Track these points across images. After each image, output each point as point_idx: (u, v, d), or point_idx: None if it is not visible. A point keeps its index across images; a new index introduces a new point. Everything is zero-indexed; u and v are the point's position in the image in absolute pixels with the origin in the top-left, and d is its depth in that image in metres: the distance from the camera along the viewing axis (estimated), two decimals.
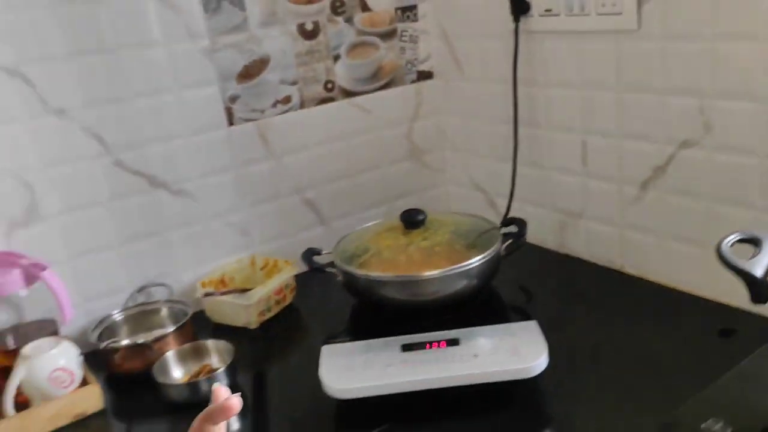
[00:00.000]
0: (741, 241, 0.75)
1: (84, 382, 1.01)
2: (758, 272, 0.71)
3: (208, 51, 1.20)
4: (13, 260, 1.04)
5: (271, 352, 1.12)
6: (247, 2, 1.21)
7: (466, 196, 1.49)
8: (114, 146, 1.14)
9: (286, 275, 1.23)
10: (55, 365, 0.98)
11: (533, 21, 1.20)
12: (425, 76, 1.46)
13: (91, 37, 1.08)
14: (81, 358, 1.02)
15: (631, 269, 1.19)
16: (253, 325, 1.17)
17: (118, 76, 1.12)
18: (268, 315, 1.19)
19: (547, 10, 1.17)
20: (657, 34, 1.03)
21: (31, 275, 1.03)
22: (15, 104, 1.05)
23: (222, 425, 0.55)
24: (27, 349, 0.99)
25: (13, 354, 1.00)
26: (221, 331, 1.17)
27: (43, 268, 1.03)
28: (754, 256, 0.73)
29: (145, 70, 1.14)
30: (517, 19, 1.21)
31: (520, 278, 1.21)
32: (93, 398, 1.00)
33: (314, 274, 1.17)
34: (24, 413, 0.96)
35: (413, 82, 1.45)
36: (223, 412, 0.52)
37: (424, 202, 1.47)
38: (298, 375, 1.02)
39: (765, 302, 0.72)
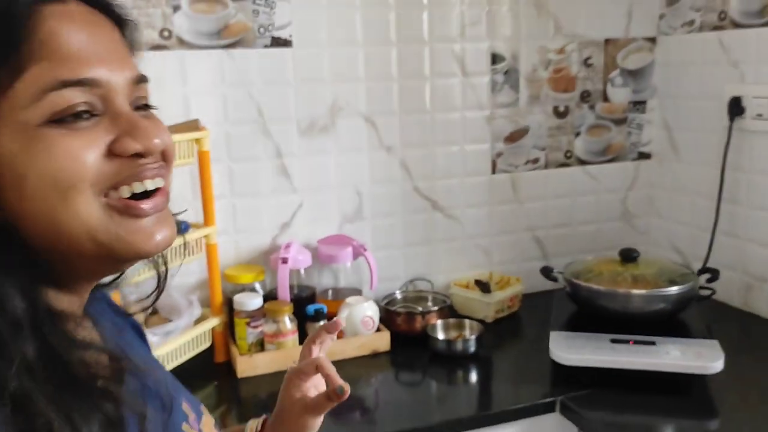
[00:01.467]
0: None
1: (378, 330, 1.49)
2: None
3: (488, 118, 1.68)
4: (347, 241, 1.56)
5: (502, 338, 1.53)
6: (521, 87, 1.68)
7: (665, 256, 1.81)
8: (415, 176, 1.64)
9: (517, 288, 1.64)
10: (365, 313, 1.47)
11: (745, 122, 1.53)
12: (644, 156, 1.83)
13: (418, 103, 1.60)
14: (379, 313, 1.50)
15: None
16: (489, 319, 1.59)
17: (428, 129, 1.63)
18: (501, 314, 1.61)
19: (758, 115, 1.50)
20: None
21: (357, 253, 1.54)
22: (363, 140, 1.59)
23: (327, 341, 0.80)
24: (350, 300, 1.48)
25: (334, 302, 1.51)
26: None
27: (365, 250, 1.54)
28: None
29: (445, 127, 1.64)
30: (732, 119, 1.55)
31: (707, 320, 1.51)
32: (385, 340, 1.47)
33: (536, 296, 1.57)
34: (343, 340, 1.45)
35: (634, 159, 1.83)
36: (334, 325, 0.79)
37: None
38: (523, 353, 1.42)
39: None
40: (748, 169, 1.55)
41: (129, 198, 0.53)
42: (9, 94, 0.48)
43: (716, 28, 1.59)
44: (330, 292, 1.59)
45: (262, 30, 1.46)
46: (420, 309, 1.56)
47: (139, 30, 0.60)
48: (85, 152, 0.50)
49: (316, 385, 0.79)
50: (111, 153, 0.52)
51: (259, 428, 0.81)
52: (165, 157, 0.56)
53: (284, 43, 1.48)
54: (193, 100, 1.44)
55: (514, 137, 1.71)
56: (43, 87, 0.49)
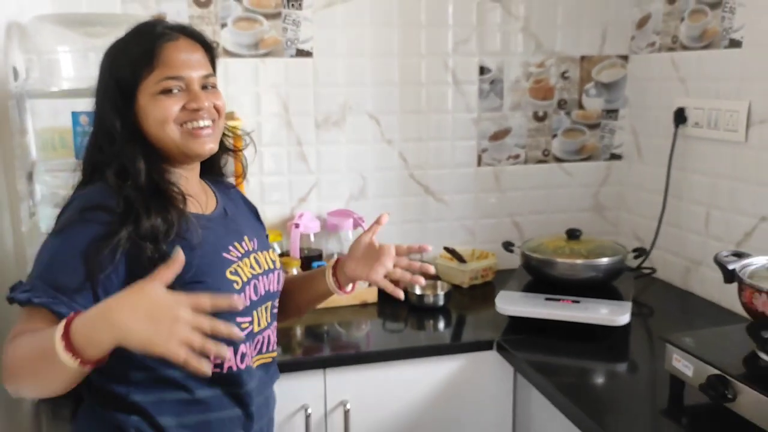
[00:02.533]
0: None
1: (369, 285, 1.85)
2: None
3: (475, 120, 2.01)
4: (350, 214, 1.93)
5: (471, 298, 1.86)
6: (505, 95, 2.01)
7: (627, 243, 2.09)
8: (411, 165, 2.00)
9: (491, 261, 1.97)
10: None
11: (688, 129, 1.81)
12: (616, 157, 2.12)
13: (415, 105, 1.96)
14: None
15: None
16: (465, 285, 1.92)
17: (424, 126, 1.98)
18: (476, 281, 1.94)
19: (696, 123, 1.78)
20: (756, 146, 1.59)
21: (356, 224, 1.91)
22: (369, 133, 1.96)
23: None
24: None
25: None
26: None
27: (363, 221, 1.90)
28: None
29: (437, 125, 1.99)
30: (677, 127, 1.83)
31: (641, 296, 1.80)
32: (373, 294, 1.83)
33: (513, 271, 1.88)
34: None
35: (606, 159, 2.12)
36: (381, 218, 1.27)
37: None
38: (484, 310, 1.75)
39: None
40: (690, 170, 1.82)
41: (192, 128, 1.06)
42: (148, 79, 1.04)
43: (670, 49, 1.88)
44: (335, 255, 1.96)
45: (289, 43, 1.86)
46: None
47: (216, 49, 1.15)
48: (172, 106, 1.04)
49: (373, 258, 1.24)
50: (184, 108, 1.05)
51: (333, 265, 1.26)
52: (217, 110, 1.09)
53: (306, 54, 1.87)
54: (233, 96, 1.84)
55: (497, 136, 2.04)
56: (160, 78, 1.03)
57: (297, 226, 1.83)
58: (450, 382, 1.57)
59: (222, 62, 1.82)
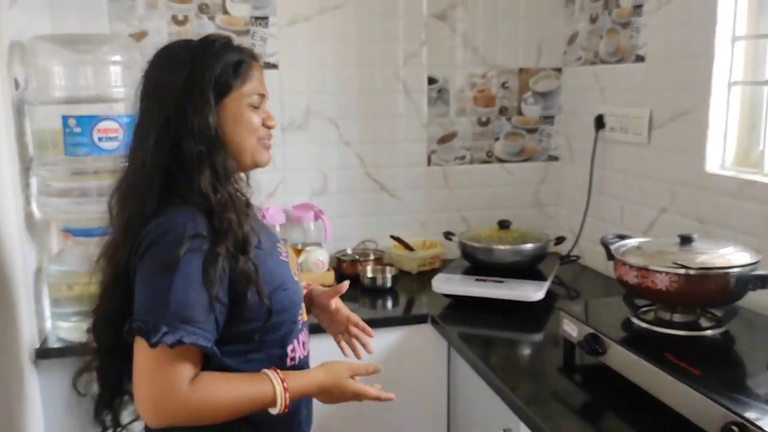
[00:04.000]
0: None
1: (328, 270, 2.09)
2: None
3: (424, 125, 2.26)
4: (312, 208, 2.18)
5: (418, 282, 2.10)
6: (451, 102, 2.26)
7: (565, 235, 2.33)
8: (368, 165, 2.25)
9: (438, 250, 2.22)
10: (317, 257, 2.08)
11: (606, 133, 2.06)
12: (553, 158, 2.37)
13: (371, 111, 2.21)
14: (330, 260, 2.10)
15: None
16: (414, 271, 2.17)
17: (378, 130, 2.23)
18: (423, 268, 2.18)
19: (611, 128, 2.03)
20: (656, 148, 1.85)
21: (317, 216, 2.16)
22: (330, 136, 2.20)
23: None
24: (308, 248, 2.10)
25: (298, 251, 2.12)
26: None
27: (323, 214, 2.15)
28: None
29: (391, 129, 2.24)
30: (597, 131, 2.08)
31: (571, 280, 2.05)
32: (330, 278, 2.07)
33: (453, 261, 2.13)
34: (303, 274, 2.05)
35: (545, 160, 2.37)
36: (365, 330, 1.42)
37: None
38: (428, 292, 1.99)
39: None
40: (608, 169, 2.08)
41: (264, 142, 1.17)
42: (241, 89, 1.11)
43: (592, 63, 2.13)
44: (299, 244, 2.21)
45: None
46: (359, 258, 2.16)
47: None
48: (257, 120, 1.14)
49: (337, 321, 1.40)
50: (263, 123, 1.16)
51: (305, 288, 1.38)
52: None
53: (273, 66, 2.12)
54: None
55: (445, 139, 2.29)
56: (253, 92, 1.13)
57: (263, 217, 2.07)
58: (393, 352, 1.81)
59: None
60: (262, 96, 1.16)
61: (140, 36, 2.00)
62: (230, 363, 1.09)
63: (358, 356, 1.39)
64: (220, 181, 1.07)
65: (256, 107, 1.14)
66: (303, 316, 1.24)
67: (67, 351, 1.58)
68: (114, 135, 1.50)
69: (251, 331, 1.09)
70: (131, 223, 1.07)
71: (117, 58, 1.57)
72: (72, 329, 1.62)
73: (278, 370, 1.10)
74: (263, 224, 1.27)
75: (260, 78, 1.16)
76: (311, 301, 1.40)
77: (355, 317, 1.41)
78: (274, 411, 1.07)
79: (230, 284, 1.05)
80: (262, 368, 1.09)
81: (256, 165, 1.18)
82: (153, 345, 0.98)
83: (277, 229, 2.16)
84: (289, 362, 1.17)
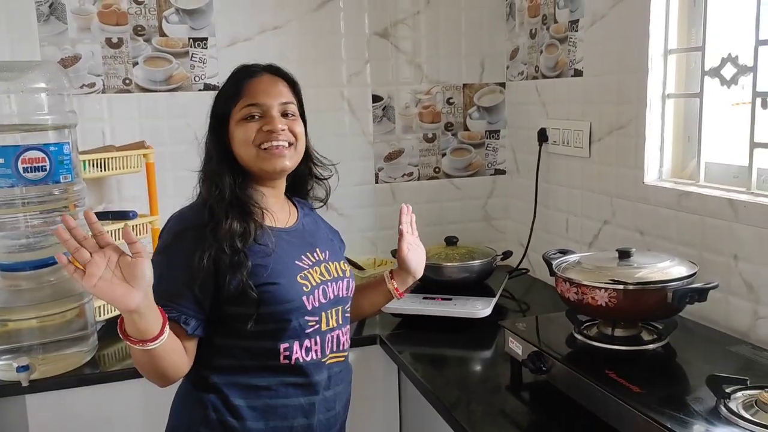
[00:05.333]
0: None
1: None
2: None
3: (371, 142, 2.25)
4: None
5: None
6: (397, 120, 2.26)
7: (513, 248, 2.34)
8: None
9: (388, 268, 2.19)
10: None
11: (549, 146, 2.08)
12: (500, 172, 2.39)
13: (316, 131, 2.18)
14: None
15: None
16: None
17: (324, 149, 2.19)
18: None
19: (554, 142, 2.04)
20: (597, 161, 1.86)
21: None
22: None
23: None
24: None
25: None
26: None
27: None
28: None
29: (337, 148, 2.20)
30: (540, 145, 2.10)
31: (520, 294, 2.05)
32: None
33: None
34: None
35: (492, 174, 2.38)
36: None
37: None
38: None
39: None
40: (553, 182, 2.09)
41: (267, 148, 1.23)
42: (235, 109, 1.24)
43: (534, 77, 2.15)
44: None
45: (197, 78, 2.07)
46: None
47: (298, 85, 1.36)
48: (252, 130, 1.23)
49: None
50: (260, 130, 1.23)
51: (389, 273, 1.53)
52: (294, 135, 1.28)
53: (213, 87, 2.08)
54: (147, 127, 2.04)
55: (392, 156, 2.28)
56: (243, 105, 1.24)
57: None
58: None
59: (135, 96, 2.03)
60: (256, 105, 1.24)
61: (73, 60, 1.94)
62: (223, 342, 1.22)
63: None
64: (216, 192, 1.22)
65: (252, 118, 1.23)
66: (320, 324, 1.27)
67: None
68: (41, 165, 1.45)
69: (243, 315, 1.19)
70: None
71: (42, 84, 1.51)
72: (4, 368, 1.55)
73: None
74: (311, 233, 1.37)
75: (261, 88, 1.25)
76: (399, 273, 1.53)
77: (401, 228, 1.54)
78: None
79: (217, 269, 1.17)
80: (248, 359, 1.21)
81: (265, 173, 1.26)
82: None
83: None
84: (282, 360, 1.22)
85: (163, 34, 2.02)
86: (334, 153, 2.27)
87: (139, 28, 1.99)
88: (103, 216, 1.81)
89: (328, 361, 1.29)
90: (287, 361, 1.23)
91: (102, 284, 1.00)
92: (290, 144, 1.26)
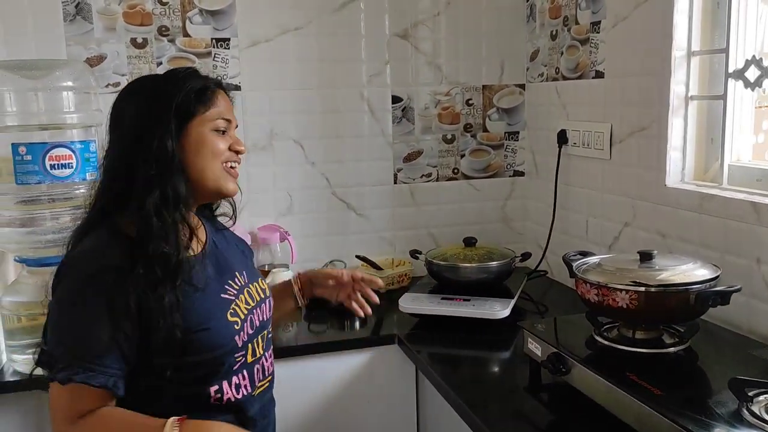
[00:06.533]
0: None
1: None
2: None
3: (390, 143, 2.26)
4: (276, 228, 2.16)
5: (386, 300, 2.07)
6: (416, 120, 2.26)
7: (531, 250, 2.33)
8: (334, 184, 2.23)
9: (406, 268, 2.20)
10: (283, 278, 2.05)
11: (569, 148, 2.07)
12: (519, 173, 2.38)
13: (335, 131, 2.20)
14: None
15: None
16: (382, 290, 2.14)
17: (343, 150, 2.22)
18: (392, 287, 2.16)
19: (574, 143, 2.04)
20: (618, 163, 1.86)
21: (282, 237, 2.13)
22: (294, 157, 2.19)
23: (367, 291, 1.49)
24: (275, 269, 2.07)
25: (266, 271, 2.09)
26: None
27: (289, 235, 2.13)
28: None
29: (356, 148, 2.23)
30: (560, 146, 2.09)
31: (539, 296, 2.05)
32: None
33: (421, 278, 2.12)
34: None
35: (510, 176, 2.38)
36: (371, 280, 1.48)
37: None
38: (397, 311, 1.97)
39: None
40: (572, 183, 2.09)
41: (231, 167, 1.18)
42: (204, 114, 1.13)
43: (554, 79, 2.15)
44: (266, 266, 2.18)
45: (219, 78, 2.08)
46: None
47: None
48: (222, 145, 1.16)
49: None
50: (229, 148, 1.17)
51: (297, 285, 1.49)
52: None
53: (236, 87, 2.10)
54: None
55: (411, 157, 2.29)
56: (216, 117, 1.15)
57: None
58: (361, 374, 1.79)
59: None
60: (229, 121, 1.18)
61: (98, 60, 1.97)
62: (147, 383, 1.08)
63: (367, 313, 1.53)
64: (167, 206, 1.07)
65: (222, 132, 1.16)
66: (246, 356, 1.19)
67: (22, 385, 1.53)
68: (67, 162, 1.47)
69: (163, 365, 1.07)
70: (67, 242, 1.12)
71: (69, 83, 1.54)
72: (27, 362, 1.57)
73: (184, 419, 1.04)
74: (224, 254, 1.25)
75: (227, 105, 1.19)
76: (311, 284, 1.50)
77: (359, 273, 1.52)
78: None
79: (143, 314, 1.04)
80: (175, 403, 1.08)
81: (221, 194, 1.20)
82: (49, 379, 1.04)
83: None
84: (213, 401, 1.14)
85: (186, 35, 2.04)
86: (352, 153, 2.30)
87: (163, 29, 2.02)
88: None
89: (257, 392, 1.23)
90: (219, 403, 1.15)
91: None
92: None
